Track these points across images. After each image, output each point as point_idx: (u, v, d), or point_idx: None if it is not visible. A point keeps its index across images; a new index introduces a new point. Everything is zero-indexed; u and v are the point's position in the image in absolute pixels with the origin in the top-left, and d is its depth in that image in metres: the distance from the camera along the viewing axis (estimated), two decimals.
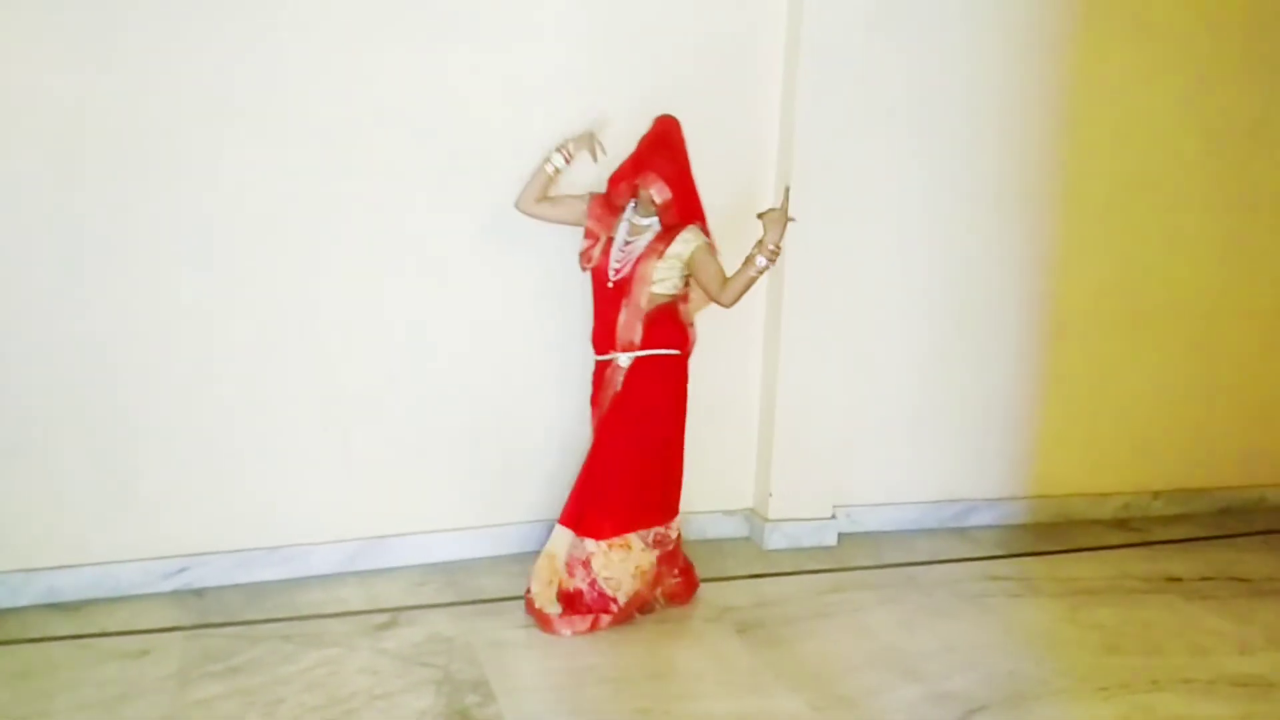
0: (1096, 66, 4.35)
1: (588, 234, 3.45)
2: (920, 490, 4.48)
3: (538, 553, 3.49)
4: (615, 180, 3.42)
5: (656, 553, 3.45)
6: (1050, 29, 4.26)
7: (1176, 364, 4.74)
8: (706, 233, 3.43)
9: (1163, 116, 4.50)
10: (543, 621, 3.34)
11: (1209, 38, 4.49)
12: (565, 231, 3.55)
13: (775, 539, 4.15)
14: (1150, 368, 4.70)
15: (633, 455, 3.38)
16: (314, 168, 3.46)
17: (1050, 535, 4.50)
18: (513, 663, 3.15)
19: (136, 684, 2.92)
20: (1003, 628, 3.58)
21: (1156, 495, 4.84)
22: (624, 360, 3.38)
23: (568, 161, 3.44)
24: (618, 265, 3.37)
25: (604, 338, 3.41)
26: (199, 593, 3.50)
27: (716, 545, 4.16)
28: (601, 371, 3.45)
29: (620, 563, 3.37)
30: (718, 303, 3.37)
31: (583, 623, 3.32)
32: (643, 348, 3.36)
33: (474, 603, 3.51)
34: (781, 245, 3.23)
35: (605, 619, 3.34)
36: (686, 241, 3.34)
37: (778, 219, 3.22)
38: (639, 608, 3.44)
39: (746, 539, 4.25)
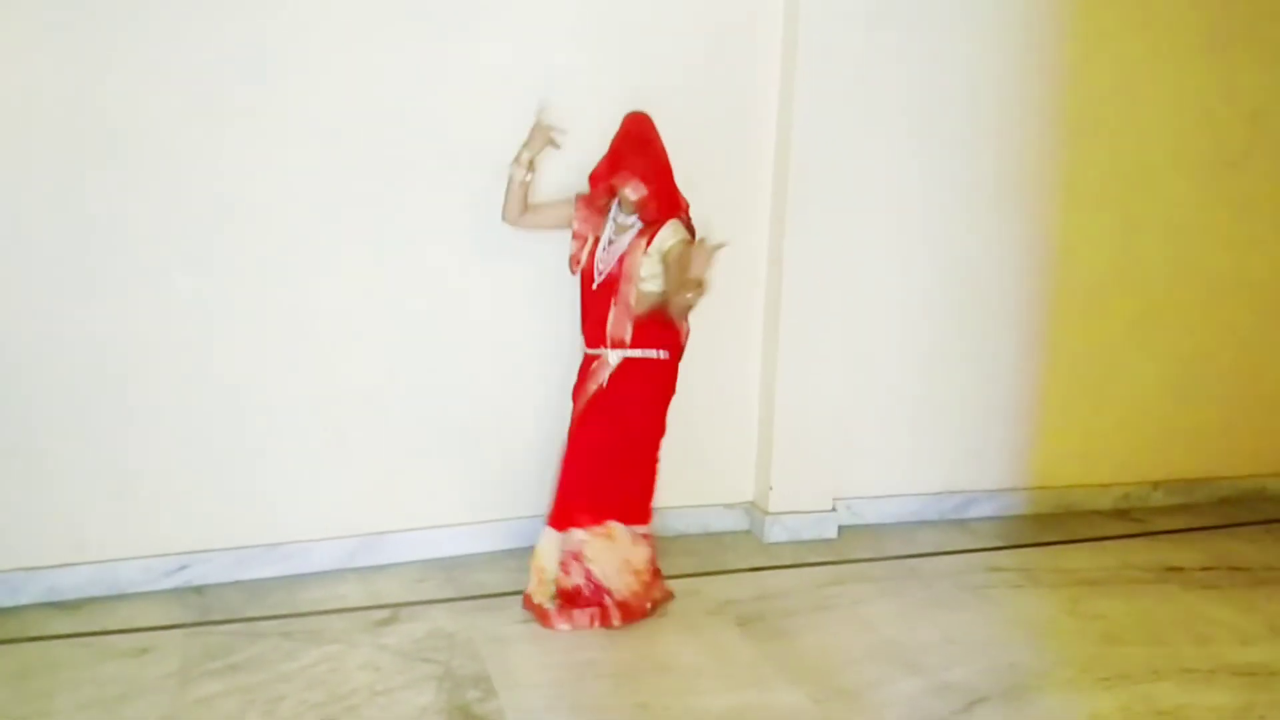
0: (1094, 60, 4.34)
1: (575, 236, 3.44)
2: (920, 482, 4.48)
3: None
4: (594, 181, 3.43)
5: (649, 550, 3.43)
6: (1047, 23, 4.25)
7: (1176, 355, 4.73)
8: (689, 225, 3.42)
9: (1160, 110, 4.49)
10: (541, 617, 3.34)
11: (1205, 31, 4.48)
12: (562, 230, 3.55)
13: (775, 532, 4.15)
14: (1149, 359, 4.70)
15: (609, 449, 3.36)
16: (313, 167, 3.46)
17: (1050, 526, 4.50)
18: (513, 658, 3.15)
19: (137, 682, 2.92)
20: (1003, 619, 3.58)
21: (1156, 485, 4.84)
22: (613, 358, 3.36)
23: (530, 169, 3.40)
24: (601, 266, 3.36)
25: (594, 333, 3.40)
26: (199, 590, 3.50)
27: (717, 539, 4.16)
28: (588, 364, 3.44)
29: (605, 552, 3.35)
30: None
31: (582, 617, 3.32)
32: (633, 347, 3.35)
33: (474, 598, 3.51)
34: (705, 278, 3.16)
35: (598, 617, 3.32)
36: (665, 239, 3.32)
37: (703, 254, 3.14)
38: (640, 608, 3.41)
39: (747, 532, 4.25)
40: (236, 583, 3.55)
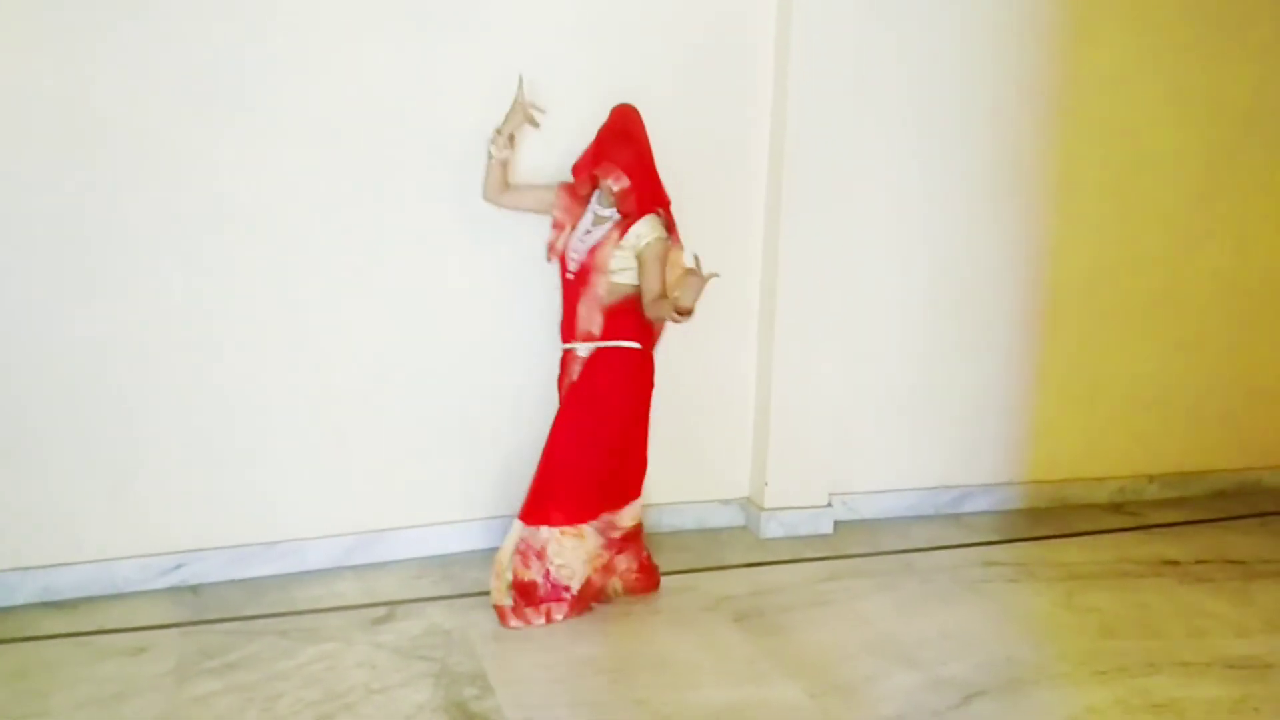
0: (1089, 55, 4.34)
1: (555, 224, 3.45)
2: (916, 477, 4.48)
3: None
4: (577, 171, 3.43)
5: (601, 539, 3.42)
6: (1042, 18, 4.25)
7: (1170, 349, 4.74)
8: (670, 221, 3.41)
9: (1155, 104, 4.49)
10: (499, 615, 3.32)
11: (1201, 25, 4.48)
12: (542, 216, 3.55)
13: (772, 527, 4.15)
14: (1144, 353, 4.70)
15: (585, 445, 3.34)
16: (309, 166, 3.46)
17: (1046, 520, 4.50)
18: (510, 655, 3.15)
19: (134, 681, 2.92)
20: (999, 613, 3.59)
21: (1152, 479, 4.85)
22: (582, 351, 3.37)
23: (509, 145, 3.42)
24: (575, 255, 3.37)
25: (567, 327, 3.40)
26: (195, 589, 3.49)
27: (713, 534, 4.16)
28: (565, 360, 3.45)
29: (573, 550, 3.34)
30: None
31: (536, 615, 3.31)
32: (602, 339, 3.34)
33: (471, 595, 3.51)
34: (694, 307, 3.18)
35: (558, 610, 3.32)
36: (640, 235, 3.31)
37: (694, 284, 3.15)
38: (594, 597, 3.42)
39: (743, 528, 4.25)
40: (233, 581, 3.55)
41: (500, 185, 3.46)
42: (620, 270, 3.32)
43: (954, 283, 4.35)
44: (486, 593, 3.43)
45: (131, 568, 3.44)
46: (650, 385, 3.45)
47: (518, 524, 3.37)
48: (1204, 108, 4.57)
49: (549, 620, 3.31)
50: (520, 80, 3.43)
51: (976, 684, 3.06)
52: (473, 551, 3.82)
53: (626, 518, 3.48)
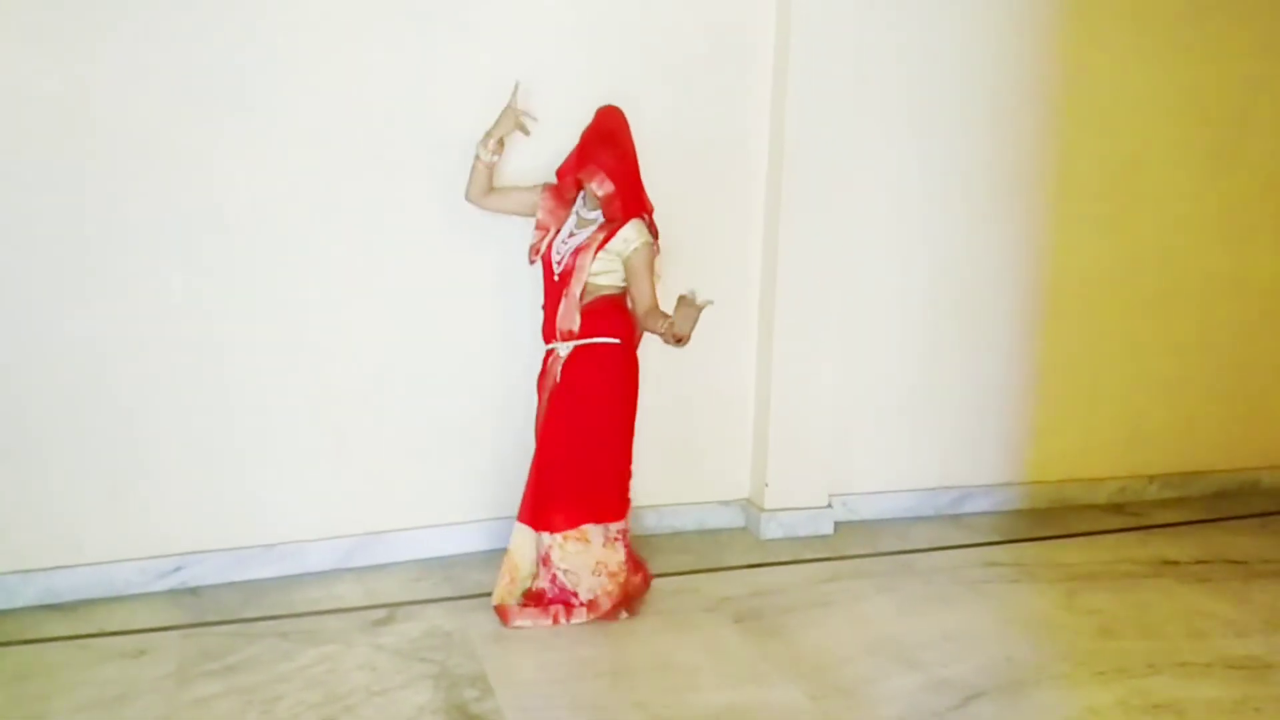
0: (1088, 53, 4.35)
1: (539, 226, 3.44)
2: (916, 478, 4.48)
3: None
4: (562, 174, 3.42)
5: (623, 551, 3.41)
6: (1042, 18, 4.25)
7: (1170, 349, 4.74)
8: (652, 227, 3.40)
9: (1155, 103, 4.50)
10: (501, 614, 3.32)
11: (1200, 23, 4.48)
12: (527, 218, 3.53)
13: (772, 529, 4.15)
14: (1144, 353, 4.71)
15: (576, 446, 3.33)
16: (307, 166, 3.46)
17: (1046, 521, 4.51)
18: (510, 656, 3.15)
19: (134, 684, 2.92)
20: (1000, 614, 3.59)
21: (1151, 479, 4.85)
22: (562, 350, 3.35)
23: (497, 152, 3.41)
24: (559, 258, 3.36)
25: (548, 328, 3.40)
26: (195, 591, 3.49)
27: (713, 536, 4.16)
28: (546, 359, 3.43)
29: (576, 555, 3.34)
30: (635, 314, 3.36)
31: (541, 615, 3.31)
32: (581, 336, 3.32)
33: (471, 597, 3.50)
34: (690, 334, 3.16)
35: (565, 613, 3.32)
36: (627, 241, 3.29)
37: (690, 314, 3.12)
38: (623, 605, 3.41)
39: (743, 529, 4.25)
40: (233, 583, 3.55)
41: (484, 188, 3.46)
42: (601, 273, 3.31)
43: (954, 283, 4.35)
44: (487, 594, 3.43)
45: (132, 570, 3.44)
46: (635, 382, 3.42)
47: (525, 530, 3.37)
48: (1204, 107, 4.57)
49: (555, 622, 3.31)
50: (516, 86, 3.42)
51: (977, 685, 3.06)
52: (473, 553, 3.82)
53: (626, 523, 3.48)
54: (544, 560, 3.35)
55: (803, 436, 4.14)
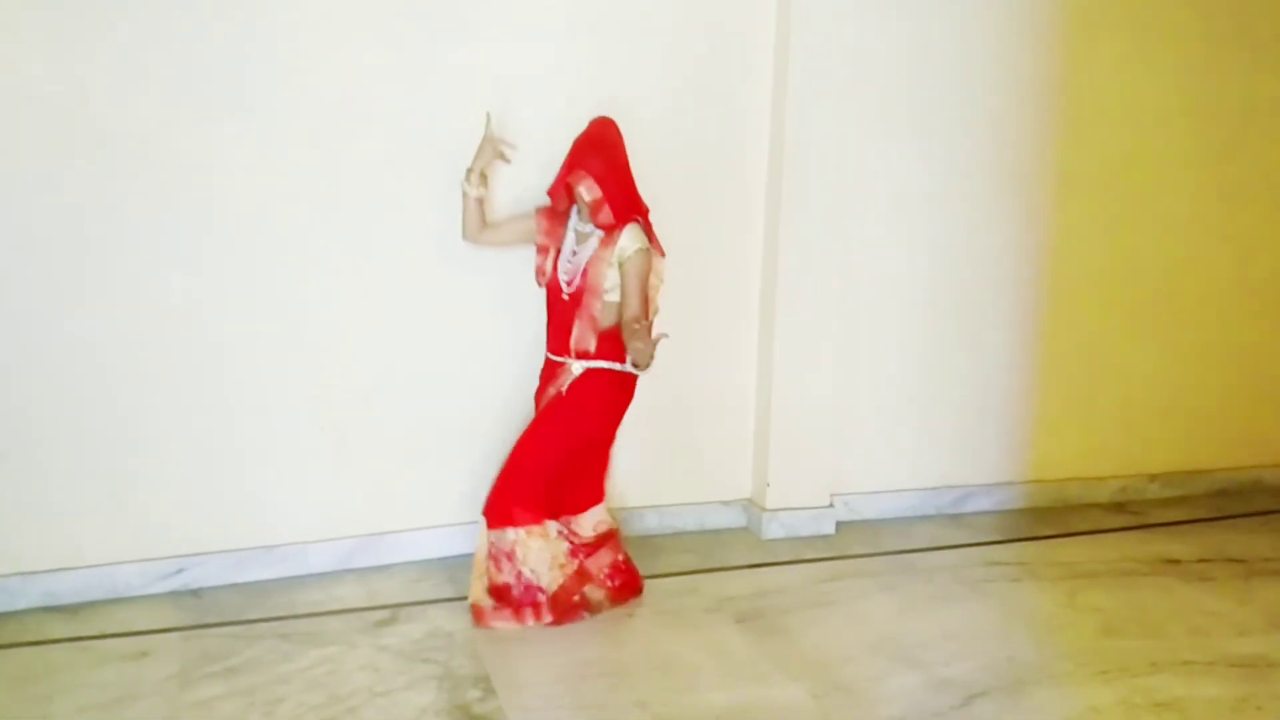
0: (1089, 53, 4.34)
1: (539, 249, 3.43)
2: (917, 477, 4.48)
3: None
4: (553, 191, 3.40)
5: (568, 545, 3.41)
6: (1042, 18, 4.25)
7: (1172, 348, 4.74)
8: (649, 230, 3.37)
9: (1155, 102, 4.49)
10: (475, 615, 3.32)
11: (1200, 23, 4.48)
12: (527, 245, 3.54)
13: (773, 528, 4.15)
14: (1146, 351, 4.70)
15: (560, 452, 3.34)
16: (306, 166, 3.45)
17: (1047, 520, 4.50)
18: (513, 657, 3.15)
19: (136, 685, 2.92)
20: (1001, 613, 3.59)
21: (1153, 478, 4.85)
22: (576, 367, 3.33)
23: (482, 185, 3.40)
24: (567, 277, 3.34)
25: (559, 341, 3.37)
26: (196, 593, 3.49)
27: (715, 535, 4.16)
28: (551, 369, 3.42)
29: (539, 551, 3.34)
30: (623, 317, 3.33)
31: (515, 619, 3.30)
32: (597, 358, 3.32)
33: None
34: (652, 358, 3.16)
35: (533, 613, 3.31)
36: (623, 249, 3.27)
37: (645, 351, 3.14)
38: (580, 606, 3.39)
39: (744, 529, 4.25)
40: (234, 585, 3.54)
41: (479, 223, 3.45)
42: (612, 289, 3.30)
43: (955, 283, 4.35)
44: None
45: (133, 572, 3.44)
46: (631, 397, 3.44)
47: (482, 525, 3.38)
48: (1205, 107, 4.57)
49: (523, 623, 3.30)
50: (489, 118, 3.41)
51: (979, 684, 3.06)
52: (473, 554, 3.81)
53: (586, 525, 3.47)
54: (508, 556, 3.33)
55: (804, 436, 4.14)
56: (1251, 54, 4.59)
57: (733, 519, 4.27)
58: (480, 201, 3.43)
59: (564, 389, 3.35)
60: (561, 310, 3.38)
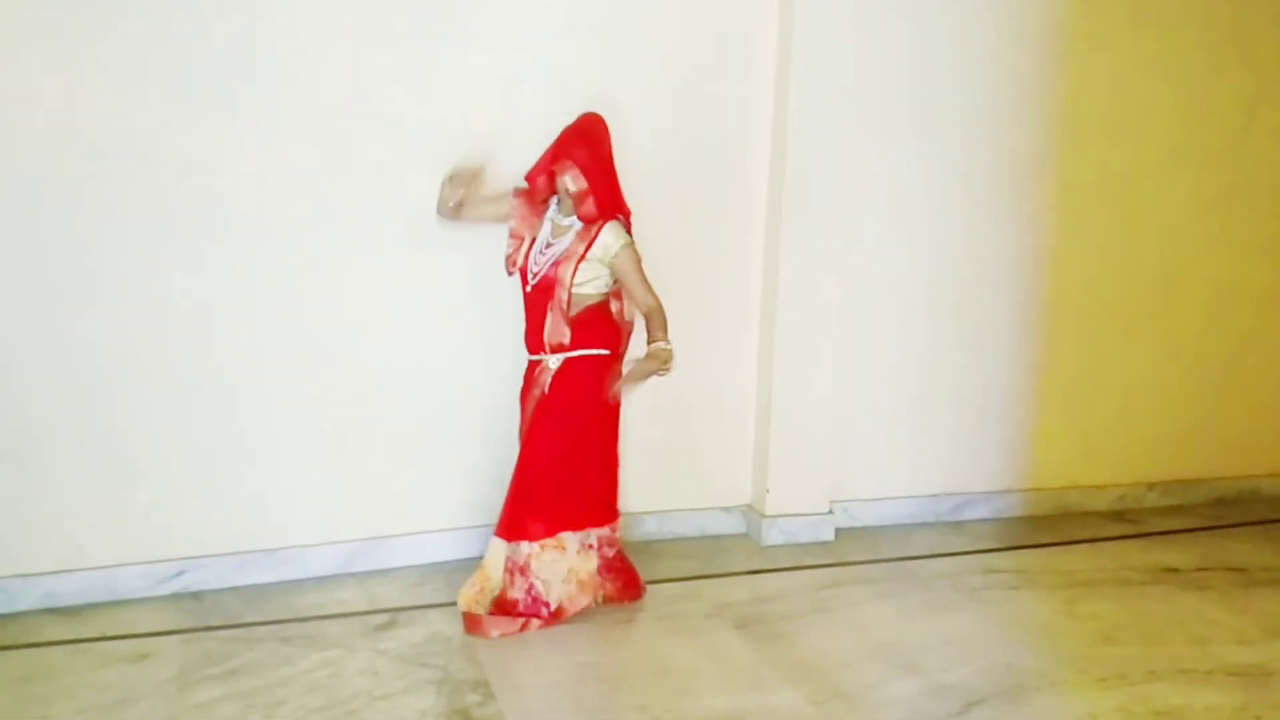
0: (1089, 59, 4.36)
1: (512, 235, 3.39)
2: (917, 484, 4.49)
3: None
4: (532, 176, 3.36)
5: (598, 561, 3.41)
6: (1043, 22, 4.26)
7: (1171, 356, 4.75)
8: (629, 229, 3.35)
9: (1156, 109, 4.51)
10: (470, 623, 3.30)
11: (1201, 30, 4.50)
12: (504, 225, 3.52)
13: (773, 535, 4.15)
14: (1145, 359, 4.71)
15: (561, 455, 3.33)
16: (308, 168, 3.46)
17: (1046, 528, 4.51)
18: (512, 661, 3.15)
19: (136, 688, 2.92)
20: (1000, 620, 3.59)
21: (1152, 487, 4.85)
22: (553, 362, 3.32)
23: (458, 211, 3.42)
24: (536, 269, 3.31)
25: (534, 338, 3.35)
26: (197, 596, 3.50)
27: (714, 541, 4.17)
28: (531, 371, 3.40)
29: (552, 564, 3.34)
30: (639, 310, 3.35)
31: (511, 624, 3.29)
32: (572, 348, 3.30)
33: None
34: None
35: (535, 623, 3.30)
36: (607, 247, 3.25)
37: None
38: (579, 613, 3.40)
39: (744, 535, 4.25)
40: (234, 588, 3.55)
41: (453, 213, 3.45)
42: (585, 282, 3.28)
43: (955, 289, 4.36)
44: None
45: (133, 574, 3.45)
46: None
47: (499, 541, 3.36)
48: (1205, 112, 4.58)
49: (523, 631, 3.29)
50: (482, 169, 3.45)
51: (978, 691, 3.06)
52: (474, 559, 3.80)
53: (618, 532, 3.48)
54: (521, 570, 3.33)
55: (804, 442, 4.15)
56: (1250, 62, 4.61)
57: (732, 525, 4.27)
58: (459, 206, 3.42)
59: (545, 388, 3.33)
60: (533, 304, 3.34)
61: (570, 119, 3.41)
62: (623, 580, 3.52)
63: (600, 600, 3.47)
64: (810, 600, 3.66)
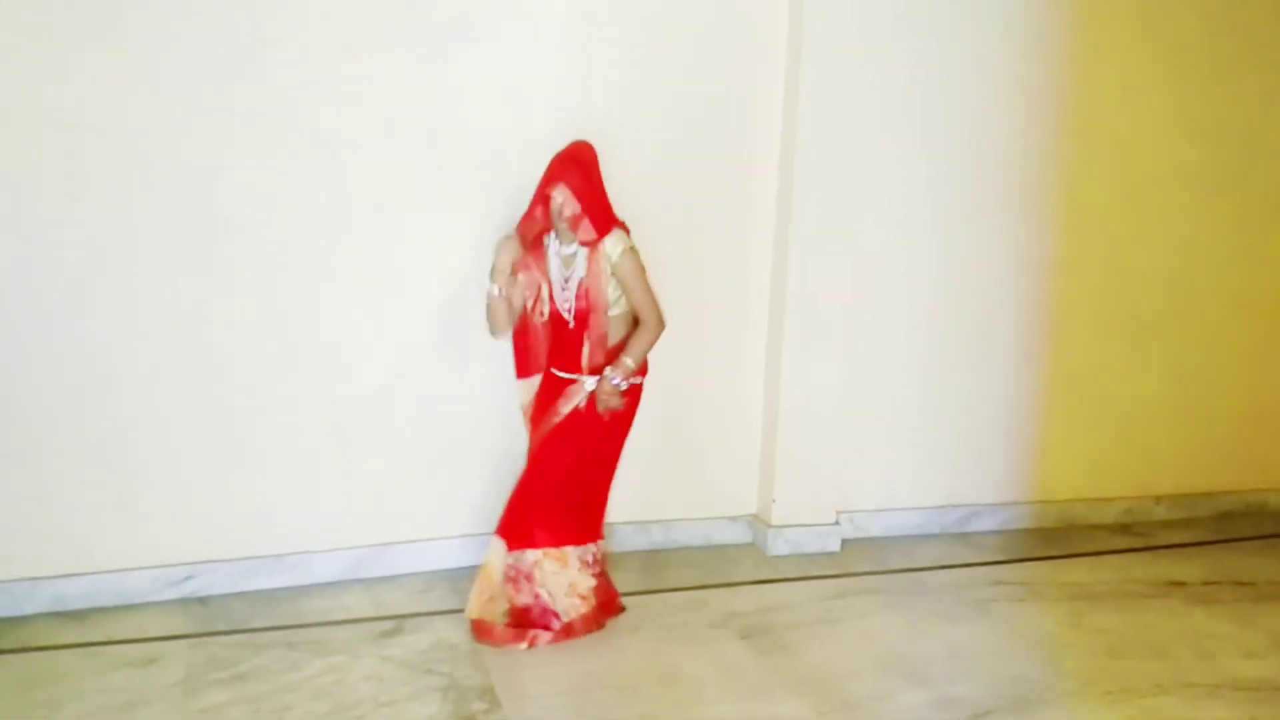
0: (1097, 71, 4.37)
1: (527, 286, 3.37)
2: (923, 495, 4.48)
3: None
4: (528, 213, 3.34)
5: (595, 579, 3.41)
6: (1052, 34, 4.27)
7: (1178, 368, 4.75)
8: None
9: (1162, 121, 4.52)
10: (483, 631, 3.29)
11: (1208, 44, 4.51)
12: None
13: (779, 545, 4.15)
14: (1151, 372, 4.71)
15: (576, 471, 3.35)
16: (314, 174, 3.47)
17: (1053, 540, 4.50)
18: (518, 669, 3.15)
19: (143, 692, 2.93)
20: (1007, 633, 3.59)
21: (1158, 500, 4.85)
22: (591, 384, 3.30)
23: (512, 284, 3.35)
24: (567, 305, 3.32)
25: (567, 360, 3.34)
26: (204, 601, 3.50)
27: (720, 551, 4.16)
28: (555, 386, 3.37)
29: (554, 575, 3.34)
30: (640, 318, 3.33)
31: (520, 639, 3.27)
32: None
33: None
34: (609, 405, 3.27)
35: (544, 636, 3.29)
36: (609, 255, 3.24)
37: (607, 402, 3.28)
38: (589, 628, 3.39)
39: (750, 545, 4.25)
40: (241, 593, 3.56)
41: (508, 319, 3.38)
42: (616, 302, 3.30)
43: (961, 300, 4.36)
44: None
45: (141, 579, 3.46)
46: (636, 409, 3.43)
47: (500, 544, 3.36)
48: (1213, 125, 4.59)
49: (531, 645, 3.28)
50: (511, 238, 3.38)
51: (984, 703, 3.05)
52: (480, 566, 3.81)
53: (602, 549, 3.48)
54: (527, 577, 3.34)
55: (810, 453, 4.15)
56: (1258, 76, 4.62)
57: (738, 535, 4.27)
58: (508, 300, 3.35)
59: (582, 405, 3.31)
60: (567, 335, 3.35)
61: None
62: (606, 596, 3.51)
63: (603, 623, 3.45)
64: (816, 611, 3.66)
